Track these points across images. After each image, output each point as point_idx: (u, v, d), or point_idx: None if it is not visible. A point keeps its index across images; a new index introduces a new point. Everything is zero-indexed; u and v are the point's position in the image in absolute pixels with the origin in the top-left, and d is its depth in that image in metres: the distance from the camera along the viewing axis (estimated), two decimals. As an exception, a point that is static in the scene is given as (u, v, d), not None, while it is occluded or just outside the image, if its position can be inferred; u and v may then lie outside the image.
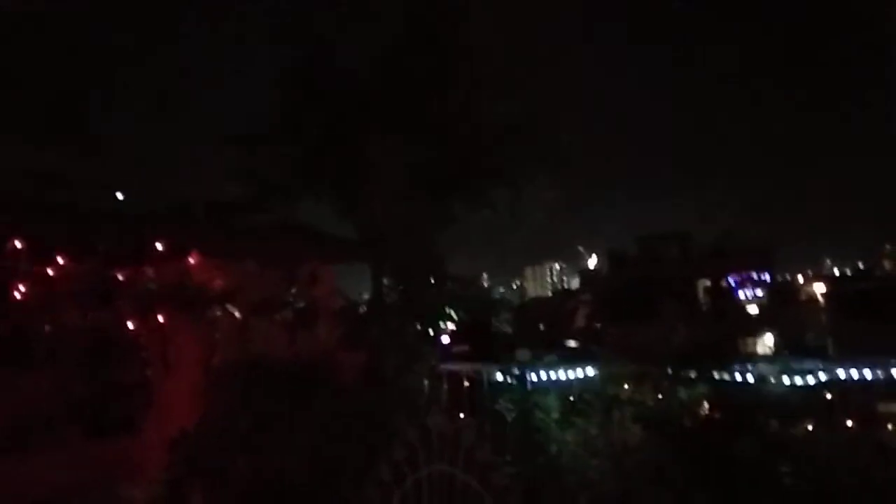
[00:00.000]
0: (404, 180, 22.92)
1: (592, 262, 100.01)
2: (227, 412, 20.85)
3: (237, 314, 23.12)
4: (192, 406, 20.83)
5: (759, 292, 60.91)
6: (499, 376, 33.94)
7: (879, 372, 28.25)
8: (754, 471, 21.32)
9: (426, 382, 27.33)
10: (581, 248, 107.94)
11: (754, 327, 50.29)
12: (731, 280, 63.14)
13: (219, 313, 22.61)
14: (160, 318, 21.61)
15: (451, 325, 46.16)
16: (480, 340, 43.78)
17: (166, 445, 19.74)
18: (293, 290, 24.59)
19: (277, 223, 26.40)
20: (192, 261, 21.84)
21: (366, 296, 30.44)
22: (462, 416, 24.52)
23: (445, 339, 40.88)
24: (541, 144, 26.55)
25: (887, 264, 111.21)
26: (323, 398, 20.54)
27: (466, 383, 33.12)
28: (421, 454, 16.08)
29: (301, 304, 24.62)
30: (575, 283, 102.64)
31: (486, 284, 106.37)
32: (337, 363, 22.85)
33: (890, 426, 26.60)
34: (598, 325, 60.73)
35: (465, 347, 41.66)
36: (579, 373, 32.77)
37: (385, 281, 28.10)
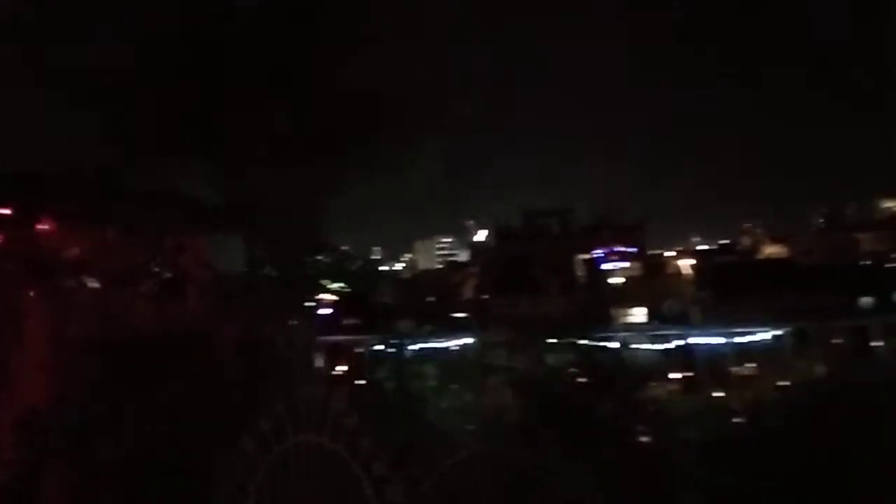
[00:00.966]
0: (277, 146, 22.14)
1: (480, 236, 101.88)
2: (84, 389, 19.68)
3: (95, 285, 21.70)
4: (44, 383, 19.48)
5: (628, 265, 64.61)
6: (381, 347, 34.04)
7: (736, 338, 30.61)
8: (614, 430, 22.58)
9: (299, 354, 26.96)
10: (470, 223, 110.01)
11: (625, 298, 53.15)
12: (601, 253, 66.33)
13: (74, 284, 21.11)
14: (5, 289, 19.93)
15: (333, 298, 45.78)
16: (365, 312, 43.81)
17: (13, 426, 18.41)
18: (158, 260, 23.35)
19: (143, 190, 24.90)
20: (43, 228, 20.23)
21: (242, 268, 29.44)
22: (338, 386, 24.34)
23: (326, 311, 40.54)
24: (428, 108, 26.14)
25: (745, 240, 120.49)
26: (190, 371, 19.81)
27: (347, 354, 33.01)
28: (288, 425, 15.89)
29: (167, 275, 23.45)
30: (464, 257, 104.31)
31: (376, 258, 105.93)
32: (206, 335, 22.02)
33: (742, 387, 28.87)
34: (484, 296, 62.12)
35: (350, 319, 41.55)
36: (459, 342, 33.44)
37: (260, 252, 27.25)
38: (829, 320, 30.06)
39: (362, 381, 28.21)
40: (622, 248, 66.43)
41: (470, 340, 32.42)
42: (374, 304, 50.59)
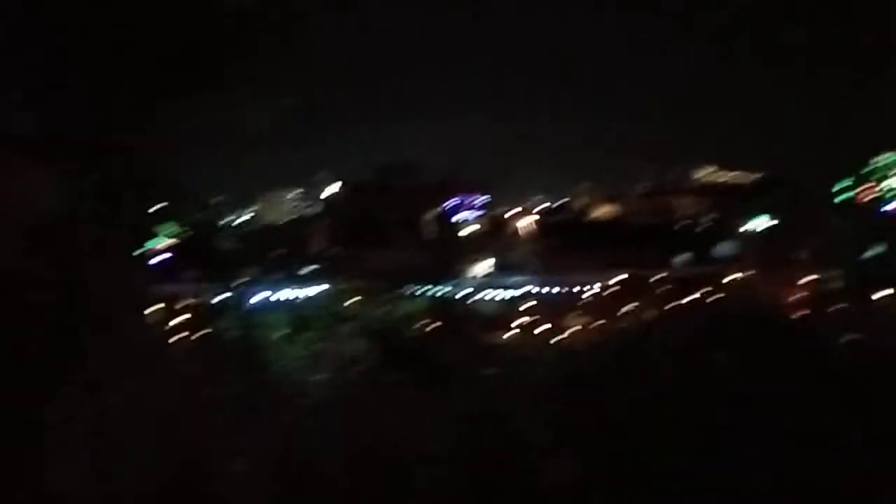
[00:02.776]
0: (95, 68, 19.61)
1: (332, 189, 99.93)
2: None
3: None
4: None
5: (476, 219, 67.08)
6: (226, 296, 32.38)
7: (569, 289, 32.47)
8: (463, 372, 23.14)
9: (129, 300, 24.86)
10: (321, 175, 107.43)
11: (471, 251, 55.00)
12: (451, 207, 68.04)
13: None
14: None
15: (171, 243, 42.85)
16: (209, 261, 41.61)
17: None
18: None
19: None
20: None
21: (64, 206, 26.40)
22: (178, 335, 22.75)
23: (162, 257, 37.89)
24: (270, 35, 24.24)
25: (581, 201, 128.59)
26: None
27: (187, 303, 31.04)
28: (114, 373, 14.56)
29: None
30: (314, 210, 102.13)
31: (223, 205, 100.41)
32: (17, 278, 19.51)
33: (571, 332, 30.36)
34: (334, 249, 61.32)
35: (191, 267, 39.27)
36: (308, 292, 32.60)
37: (84, 189, 24.50)
38: (653, 271, 33.03)
39: (204, 331, 26.68)
40: (468, 205, 68.50)
41: (319, 290, 31.70)
42: (218, 253, 48.10)
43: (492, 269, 47.61)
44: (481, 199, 69.98)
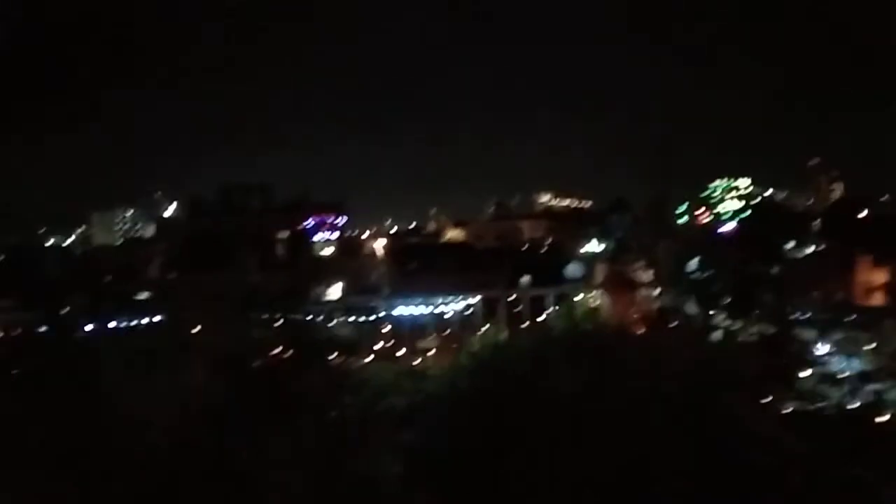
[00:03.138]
0: None
1: (170, 210, 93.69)
2: None
3: None
4: None
5: (329, 242, 65.82)
6: (46, 328, 29.05)
7: (431, 308, 32.57)
8: (320, 402, 22.36)
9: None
10: (158, 195, 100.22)
11: (325, 274, 53.81)
12: (304, 229, 66.41)
13: None
14: None
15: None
16: (30, 288, 37.22)
17: None
18: None
19: None
20: None
21: None
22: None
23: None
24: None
25: (432, 224, 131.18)
26: None
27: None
28: None
29: None
30: (150, 232, 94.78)
31: (42, 229, 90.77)
32: None
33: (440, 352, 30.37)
34: (175, 274, 57.34)
35: (5, 297, 34.98)
36: (147, 320, 30.14)
37: None
38: (505, 292, 33.99)
39: (18, 369, 23.63)
40: (325, 226, 67.36)
41: (160, 318, 29.38)
42: (40, 278, 43.12)
43: (347, 292, 46.77)
44: (338, 221, 68.92)
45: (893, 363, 24.20)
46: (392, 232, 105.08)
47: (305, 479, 17.26)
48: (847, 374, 23.17)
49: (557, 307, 30.59)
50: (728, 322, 20.14)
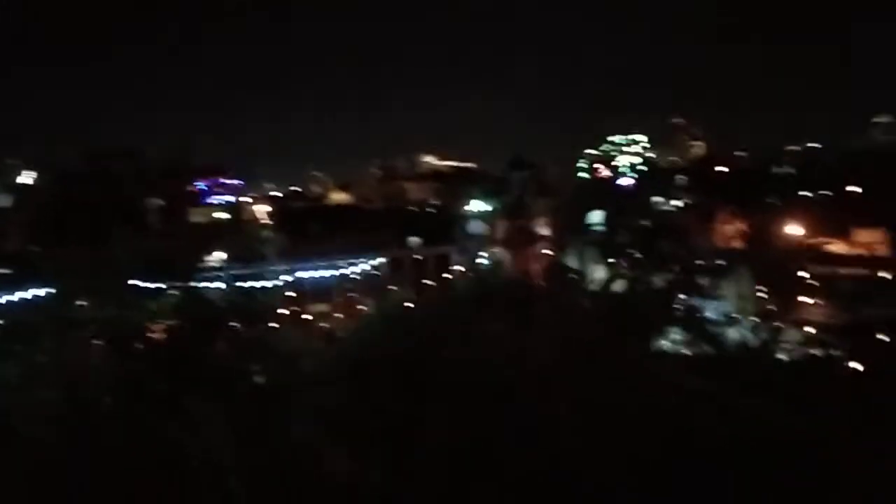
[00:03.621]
0: None
1: (28, 177, 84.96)
2: None
3: None
4: None
5: (209, 208, 62.59)
6: None
7: (326, 274, 31.97)
8: (229, 373, 21.47)
9: None
10: (11, 162, 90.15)
11: (212, 240, 51.27)
12: (181, 195, 62.85)
13: None
14: None
15: None
16: None
17: None
18: None
19: None
20: None
21: None
22: None
23: None
24: None
25: (315, 187, 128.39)
26: None
27: None
28: None
29: None
30: (4, 202, 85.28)
31: None
32: None
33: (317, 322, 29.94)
34: (37, 247, 52.51)
35: None
36: (17, 296, 27.54)
37: None
38: (407, 252, 33.96)
39: None
40: (218, 188, 64.12)
41: (33, 294, 26.97)
42: None
43: (238, 258, 44.78)
44: (233, 182, 65.67)
45: (750, 305, 26.60)
46: (274, 195, 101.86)
47: (224, 449, 16.63)
48: (715, 317, 25.34)
49: (462, 265, 31.03)
50: (632, 272, 21.48)
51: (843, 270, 21.22)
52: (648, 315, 18.66)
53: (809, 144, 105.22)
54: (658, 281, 20.08)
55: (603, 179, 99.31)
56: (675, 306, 19.61)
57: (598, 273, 21.17)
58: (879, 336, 18.51)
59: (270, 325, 27.14)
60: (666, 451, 13.45)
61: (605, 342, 18.40)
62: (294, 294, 30.28)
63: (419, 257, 31.89)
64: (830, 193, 67.62)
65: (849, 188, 66.12)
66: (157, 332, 24.97)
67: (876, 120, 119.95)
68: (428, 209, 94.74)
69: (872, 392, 17.13)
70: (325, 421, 20.06)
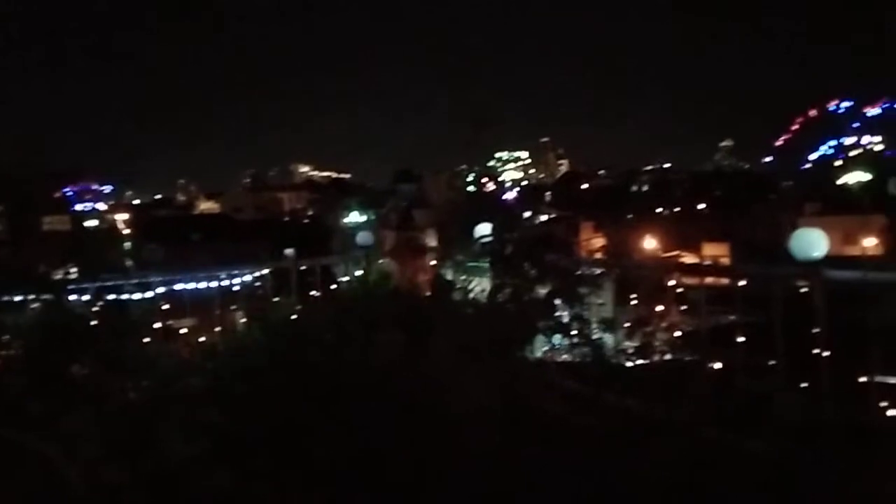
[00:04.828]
0: None
1: None
2: None
3: None
4: None
5: (99, 207, 58.63)
6: None
7: (204, 286, 30.60)
8: (94, 389, 20.22)
9: None
10: None
11: (70, 251, 47.58)
12: (35, 203, 58.11)
13: None
14: None
15: None
16: None
17: None
18: None
19: None
20: None
21: None
22: None
23: None
24: None
25: (181, 196, 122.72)
26: None
27: None
28: None
29: None
30: None
31: None
32: None
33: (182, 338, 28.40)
34: None
35: None
36: None
37: None
38: (293, 263, 33.02)
39: None
40: (87, 194, 59.71)
41: None
42: None
43: (100, 270, 41.60)
44: (103, 189, 61.27)
45: (622, 313, 28.37)
46: (136, 203, 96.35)
47: (107, 467, 15.72)
48: (592, 324, 26.87)
49: (348, 276, 30.87)
50: (516, 281, 22.19)
51: (698, 281, 23.48)
52: (532, 323, 19.60)
53: (663, 165, 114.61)
54: (540, 290, 21.12)
55: (489, 193, 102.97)
56: (556, 314, 20.74)
57: (485, 283, 21.98)
58: (734, 338, 20.61)
59: (143, 339, 25.73)
60: (551, 450, 14.37)
61: (491, 350, 19.20)
62: (169, 306, 28.81)
63: (303, 268, 31.31)
64: (681, 210, 74.01)
65: (698, 206, 72.78)
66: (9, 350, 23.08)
67: (721, 144, 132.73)
68: (304, 220, 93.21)
69: (730, 387, 19.13)
70: (205, 435, 19.40)
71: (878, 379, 16.63)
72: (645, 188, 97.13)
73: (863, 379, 16.59)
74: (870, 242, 47.70)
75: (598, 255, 51.24)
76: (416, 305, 23.19)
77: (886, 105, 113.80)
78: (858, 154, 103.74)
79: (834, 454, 12.83)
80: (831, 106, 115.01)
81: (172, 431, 18.73)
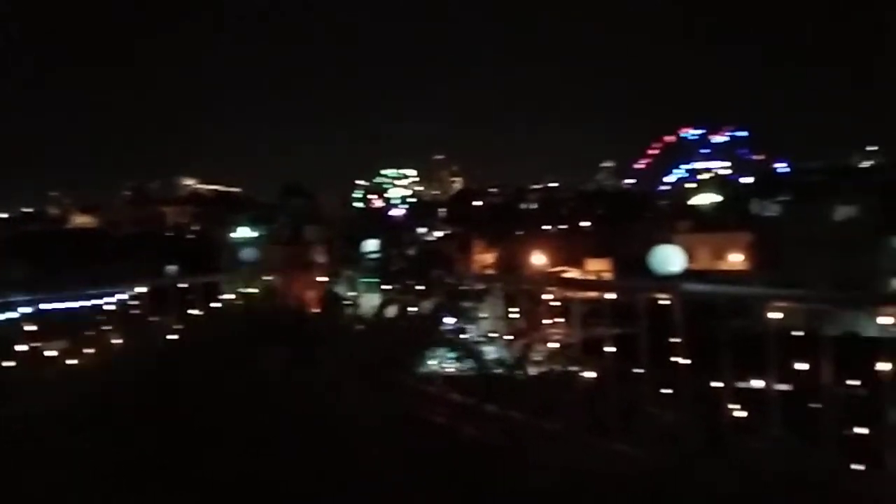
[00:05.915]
0: None
1: None
2: None
3: None
4: None
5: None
6: None
7: (75, 305, 28.94)
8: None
9: None
10: None
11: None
12: None
13: None
14: None
15: None
16: None
17: None
18: None
19: None
20: None
21: None
22: None
23: None
24: None
25: (54, 209, 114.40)
26: None
27: None
28: None
29: None
30: None
31: None
32: None
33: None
34: None
35: None
36: None
37: None
38: (173, 280, 31.67)
39: None
40: None
41: None
42: None
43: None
44: None
45: (504, 326, 29.37)
46: (1, 217, 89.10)
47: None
48: (476, 337, 27.61)
49: (233, 293, 29.99)
50: (404, 296, 22.49)
51: (578, 294, 24.72)
52: (418, 337, 19.92)
53: (550, 184, 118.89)
54: (426, 305, 21.58)
55: (376, 210, 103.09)
56: (442, 328, 21.23)
57: (373, 299, 22.05)
58: (606, 349, 21.85)
59: (4, 363, 23.96)
60: (439, 459, 14.74)
61: (380, 364, 19.36)
62: (35, 328, 26.91)
63: (184, 286, 30.14)
64: (567, 227, 77.09)
65: (581, 223, 76.06)
66: None
67: (602, 164, 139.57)
68: (188, 235, 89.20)
69: (600, 395, 20.25)
70: (73, 463, 18.32)
71: (727, 384, 18.21)
72: (534, 206, 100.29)
73: (716, 384, 18.13)
74: (736, 258, 51.56)
75: (489, 271, 52.75)
76: (302, 320, 23.01)
77: (730, 134, 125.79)
78: (709, 178, 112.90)
79: (693, 453, 13.92)
80: (683, 133, 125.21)
81: (35, 459, 17.58)
